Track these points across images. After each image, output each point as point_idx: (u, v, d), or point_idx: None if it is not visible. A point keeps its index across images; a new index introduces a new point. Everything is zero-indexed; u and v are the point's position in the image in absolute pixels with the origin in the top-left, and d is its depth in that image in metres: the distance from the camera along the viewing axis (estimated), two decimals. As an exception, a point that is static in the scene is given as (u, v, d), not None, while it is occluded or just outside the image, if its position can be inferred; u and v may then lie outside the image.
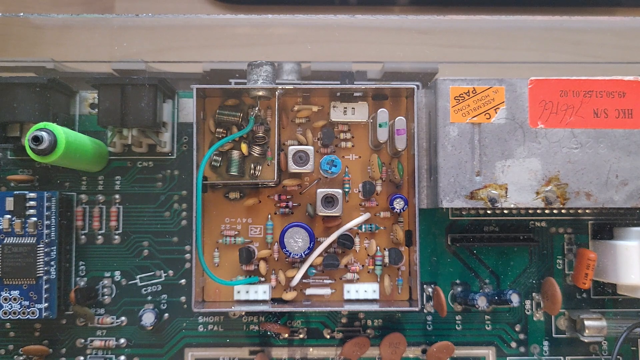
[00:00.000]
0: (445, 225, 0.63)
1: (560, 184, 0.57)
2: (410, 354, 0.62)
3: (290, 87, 0.58)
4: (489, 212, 0.63)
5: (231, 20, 0.72)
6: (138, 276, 0.62)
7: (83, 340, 0.61)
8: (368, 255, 0.60)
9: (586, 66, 0.71)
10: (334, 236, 0.59)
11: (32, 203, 0.58)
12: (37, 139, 0.51)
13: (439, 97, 0.57)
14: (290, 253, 0.58)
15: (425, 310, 0.63)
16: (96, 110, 0.60)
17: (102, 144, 0.61)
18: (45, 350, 0.61)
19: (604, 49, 0.72)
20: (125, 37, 0.69)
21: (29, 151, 0.52)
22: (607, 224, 0.63)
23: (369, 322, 0.62)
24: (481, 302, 0.59)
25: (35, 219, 0.58)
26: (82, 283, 0.62)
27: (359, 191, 0.60)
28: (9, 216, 0.58)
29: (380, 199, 0.61)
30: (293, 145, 0.60)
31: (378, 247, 0.60)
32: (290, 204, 0.61)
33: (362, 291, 0.60)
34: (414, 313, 0.62)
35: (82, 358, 0.61)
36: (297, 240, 0.58)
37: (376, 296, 0.60)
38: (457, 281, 0.63)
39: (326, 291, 0.60)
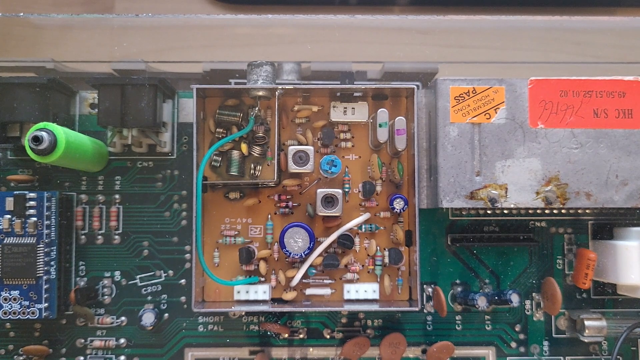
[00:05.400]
0: (445, 225, 0.63)
1: (560, 184, 0.57)
2: (410, 354, 0.62)
3: (290, 87, 0.58)
4: (489, 212, 0.63)
5: (231, 20, 0.72)
6: (138, 276, 0.62)
7: (83, 340, 0.61)
8: (368, 255, 0.60)
9: (586, 66, 0.71)
10: (334, 236, 0.59)
11: (32, 203, 0.58)
12: (37, 139, 0.51)
13: (439, 97, 0.57)
14: (290, 253, 0.58)
15: (425, 310, 0.63)
16: (96, 110, 0.60)
17: (102, 144, 0.61)
18: (45, 350, 0.61)
19: (604, 49, 0.72)
20: (125, 37, 0.69)
21: (29, 151, 0.52)
22: (607, 224, 0.63)
23: (369, 322, 0.62)
24: (481, 302, 0.59)
25: (35, 219, 0.58)
26: (82, 283, 0.62)
27: (359, 191, 0.60)
28: (9, 216, 0.58)
29: (380, 199, 0.61)
30: (293, 145, 0.60)
31: (378, 247, 0.60)
32: (290, 204, 0.61)
33: (362, 291, 0.60)
34: (414, 313, 0.62)
35: (82, 358, 0.61)
36: (297, 240, 0.58)
37: (376, 296, 0.60)
38: (457, 281, 0.63)
39: (326, 291, 0.60)
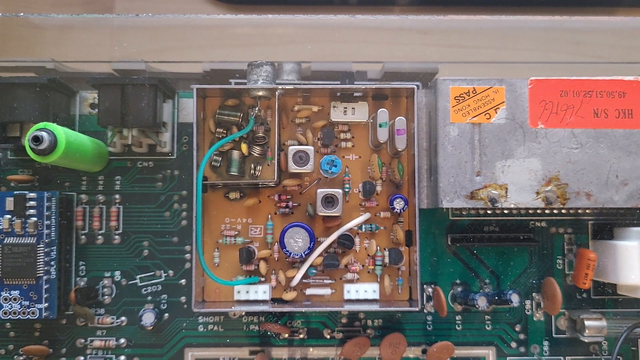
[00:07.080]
0: (445, 225, 0.63)
1: (560, 184, 0.57)
2: (410, 354, 0.62)
3: (290, 87, 0.58)
4: (489, 212, 0.63)
5: (231, 20, 0.72)
6: (138, 276, 0.62)
7: (83, 340, 0.61)
8: (368, 255, 0.60)
9: (586, 66, 0.71)
10: (334, 236, 0.59)
11: (32, 203, 0.58)
12: (37, 139, 0.51)
13: (439, 97, 0.57)
14: (290, 253, 0.58)
15: (425, 310, 0.63)
16: (96, 110, 0.60)
17: (102, 144, 0.61)
18: (45, 350, 0.61)
19: (604, 49, 0.72)
20: (125, 37, 0.69)
21: (29, 151, 0.52)
22: (607, 224, 0.63)
23: (369, 322, 0.62)
24: (481, 302, 0.59)
25: (35, 219, 0.58)
26: (82, 283, 0.62)
27: (359, 191, 0.60)
28: (9, 216, 0.58)
29: (380, 199, 0.61)
30: (293, 145, 0.60)
31: (378, 247, 0.60)
32: (290, 204, 0.61)
33: (362, 291, 0.60)
34: (414, 313, 0.62)
35: (82, 358, 0.61)
36: (297, 240, 0.58)
37: (376, 296, 0.60)
38: (457, 281, 0.63)
39: (326, 291, 0.60)
